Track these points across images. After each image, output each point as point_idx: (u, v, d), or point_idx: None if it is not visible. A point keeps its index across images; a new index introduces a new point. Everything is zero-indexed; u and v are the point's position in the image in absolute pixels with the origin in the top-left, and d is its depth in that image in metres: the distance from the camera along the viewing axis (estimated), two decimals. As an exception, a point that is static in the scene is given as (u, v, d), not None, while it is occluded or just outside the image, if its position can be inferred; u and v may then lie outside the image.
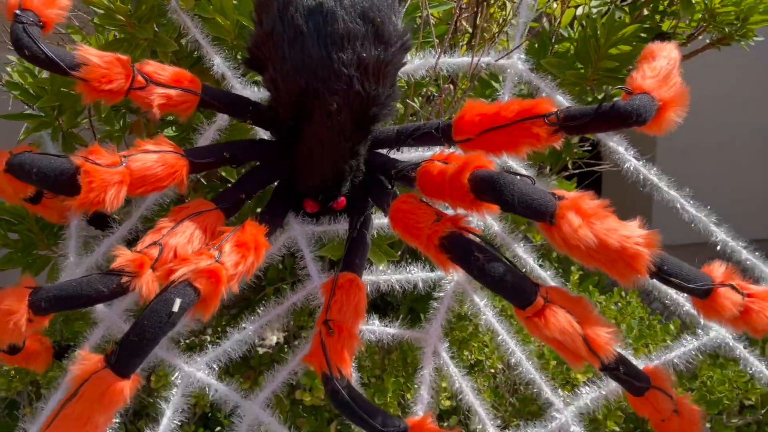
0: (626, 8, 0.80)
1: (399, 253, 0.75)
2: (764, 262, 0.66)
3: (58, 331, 0.82)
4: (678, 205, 0.65)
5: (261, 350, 0.87)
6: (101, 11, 0.69)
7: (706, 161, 1.42)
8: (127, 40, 0.69)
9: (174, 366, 0.58)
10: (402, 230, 0.53)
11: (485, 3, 0.78)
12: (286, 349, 0.75)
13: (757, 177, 1.45)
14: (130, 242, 0.60)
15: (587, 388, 0.61)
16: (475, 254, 0.47)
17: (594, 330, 0.48)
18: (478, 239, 0.48)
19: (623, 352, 0.54)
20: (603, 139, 0.65)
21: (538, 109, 0.52)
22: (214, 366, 0.58)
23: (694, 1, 0.76)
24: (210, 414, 0.76)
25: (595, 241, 0.45)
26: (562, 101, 0.64)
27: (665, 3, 0.79)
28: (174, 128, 0.78)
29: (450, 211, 0.53)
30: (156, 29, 0.70)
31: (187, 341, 0.83)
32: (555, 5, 0.80)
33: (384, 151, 0.62)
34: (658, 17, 0.80)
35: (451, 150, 0.56)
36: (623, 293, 0.94)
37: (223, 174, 0.81)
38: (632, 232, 0.47)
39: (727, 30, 0.77)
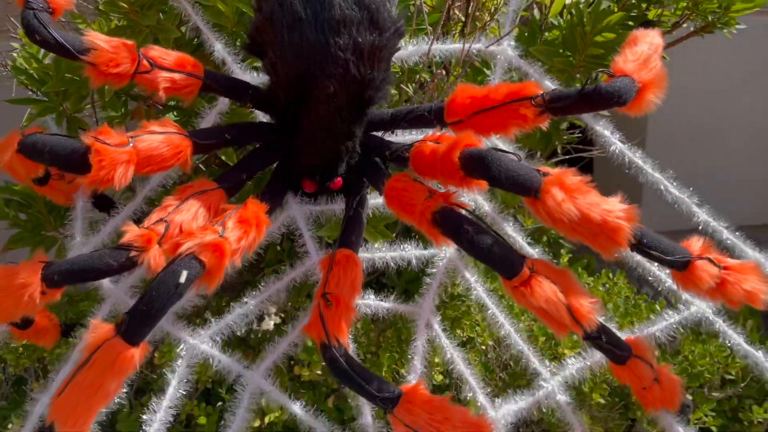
0: (614, -3, 0.83)
1: (394, 235, 0.78)
2: (744, 242, 0.69)
3: (63, 312, 0.85)
4: (662, 187, 0.68)
5: (260, 332, 0.90)
6: (105, -1, 0.71)
7: (694, 149, 1.45)
8: (130, 27, 0.71)
9: (179, 339, 0.61)
10: (396, 207, 0.56)
11: (477, -8, 0.81)
12: (284, 327, 0.77)
13: (745, 164, 1.48)
14: (135, 223, 0.62)
15: (573, 359, 0.64)
16: (464, 227, 0.50)
17: (577, 299, 0.51)
18: (467, 214, 0.51)
19: (606, 323, 0.57)
20: (590, 123, 0.67)
21: (526, 91, 0.54)
22: (217, 339, 0.61)
23: (678, -10, 0.78)
24: (211, 389, 0.79)
25: (577, 214, 0.48)
26: (550, 86, 0.67)
27: (651, -9, 0.82)
28: (175, 113, 0.80)
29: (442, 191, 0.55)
30: (159, 16, 0.72)
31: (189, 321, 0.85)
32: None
33: (379, 134, 0.64)
34: (644, 5, 0.83)
35: (443, 132, 0.58)
36: (611, 275, 0.97)
37: (223, 158, 0.83)
38: (613, 207, 0.50)
39: (710, 18, 0.80)
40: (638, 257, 0.68)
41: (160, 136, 0.54)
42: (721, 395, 0.80)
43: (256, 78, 0.67)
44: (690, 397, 0.77)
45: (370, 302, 0.63)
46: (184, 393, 0.59)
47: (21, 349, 0.77)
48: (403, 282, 0.88)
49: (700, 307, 0.68)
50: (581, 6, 0.76)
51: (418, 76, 0.77)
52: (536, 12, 0.85)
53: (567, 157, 1.02)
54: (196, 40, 0.78)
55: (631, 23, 0.78)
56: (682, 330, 0.69)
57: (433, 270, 0.66)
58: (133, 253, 0.51)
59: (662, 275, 0.68)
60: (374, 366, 0.77)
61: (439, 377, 0.77)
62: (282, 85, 0.59)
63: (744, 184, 1.47)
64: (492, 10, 0.85)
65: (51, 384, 0.61)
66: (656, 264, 0.67)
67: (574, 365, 0.63)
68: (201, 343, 0.60)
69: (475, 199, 0.68)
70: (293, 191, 0.65)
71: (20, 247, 0.82)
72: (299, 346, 0.74)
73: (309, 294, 0.85)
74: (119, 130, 0.53)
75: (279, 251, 0.91)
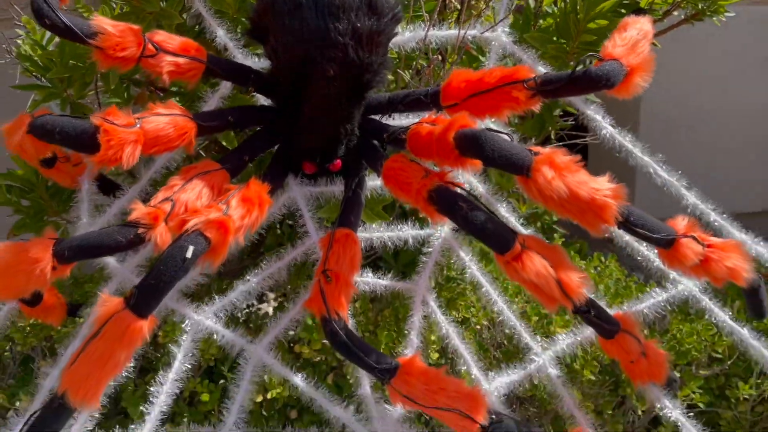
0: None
1: (391, 218, 0.80)
2: (731, 224, 0.71)
3: (68, 294, 0.87)
4: (651, 170, 0.70)
5: (260, 316, 0.92)
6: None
7: (687, 137, 1.47)
8: (133, 14, 0.73)
9: (184, 315, 0.63)
10: (393, 186, 0.58)
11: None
12: (286, 304, 0.80)
13: (738, 152, 1.50)
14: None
15: (563, 335, 0.67)
16: (459, 204, 0.52)
17: (567, 274, 0.53)
18: (462, 192, 0.53)
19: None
20: (581, 108, 0.70)
21: (518, 75, 0.56)
22: (221, 315, 0.63)
23: (669, -22, 0.80)
24: (214, 367, 0.81)
25: (566, 192, 0.50)
26: (543, 72, 0.69)
27: (642, -20, 0.84)
28: (177, 99, 0.82)
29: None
30: (161, 2, 0.74)
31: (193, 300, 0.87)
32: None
33: (377, 117, 0.67)
34: (636, -7, 0.85)
35: (438, 114, 0.60)
36: (602, 258, 1.00)
37: (224, 143, 0.85)
38: (601, 185, 0.52)
39: (699, 6, 0.82)
40: (627, 237, 0.70)
41: (165, 118, 0.56)
42: (708, 373, 0.83)
43: (258, 63, 0.68)
44: (678, 375, 0.79)
45: (368, 279, 0.65)
46: (189, 367, 0.61)
47: (28, 328, 0.79)
48: (400, 265, 0.90)
49: (687, 285, 0.70)
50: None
51: (414, 63, 0.79)
52: (531, 0, 0.87)
53: (561, 143, 1.04)
54: (197, 27, 0.79)
55: (623, 11, 0.80)
56: (669, 307, 0.72)
57: (429, 249, 0.68)
58: (140, 230, 0.53)
59: (651, 255, 0.70)
60: (372, 344, 0.79)
61: (435, 355, 0.79)
62: (283, 70, 0.61)
63: (737, 172, 1.49)
64: (487, -2, 0.87)
65: (60, 359, 0.64)
66: (645, 245, 0.70)
67: (564, 341, 0.65)
68: (205, 319, 0.62)
69: (469, 181, 0.70)
70: (294, 173, 0.67)
71: (24, 233, 0.84)
72: (300, 325, 0.76)
73: (309, 275, 0.87)
74: (126, 112, 0.55)
75: (279, 235, 0.94)
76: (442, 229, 0.69)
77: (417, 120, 0.61)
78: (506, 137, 0.51)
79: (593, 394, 0.81)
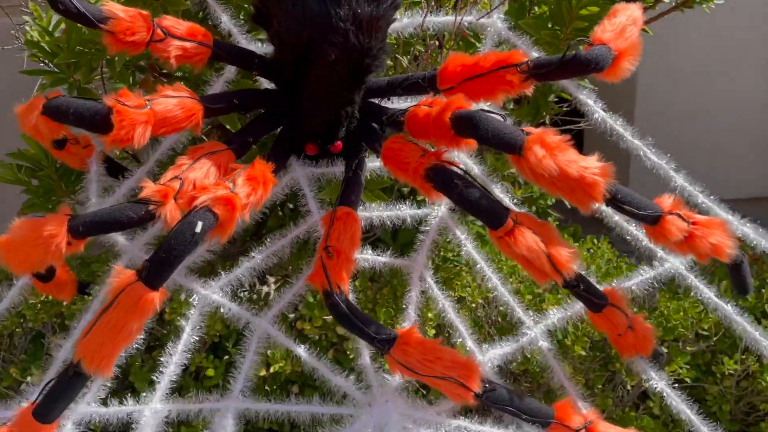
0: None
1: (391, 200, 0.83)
2: (719, 205, 0.74)
3: (75, 274, 0.89)
4: (641, 153, 0.73)
5: (262, 297, 0.95)
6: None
7: (683, 124, 1.50)
8: (141, 0, 0.75)
9: (192, 290, 0.66)
10: (392, 166, 0.60)
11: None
12: (289, 280, 0.82)
13: (732, 139, 1.53)
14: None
15: (554, 310, 0.70)
16: (454, 181, 0.54)
17: (557, 249, 0.56)
18: (457, 170, 0.56)
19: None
20: (574, 92, 0.72)
21: (512, 59, 0.59)
22: (227, 290, 0.66)
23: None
24: (219, 344, 0.84)
25: (557, 170, 0.53)
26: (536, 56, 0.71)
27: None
28: (182, 83, 0.84)
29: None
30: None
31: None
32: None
33: (376, 101, 0.69)
34: (628, -19, 0.87)
35: (435, 97, 0.63)
36: (595, 240, 1.03)
37: (228, 126, 0.87)
38: (590, 164, 0.54)
39: (689, -7, 0.85)
40: (617, 218, 0.73)
41: (174, 100, 0.59)
42: (695, 349, 0.86)
43: (261, 48, 0.71)
44: (665, 350, 0.82)
45: (367, 256, 0.68)
46: (197, 339, 0.64)
47: (39, 305, 0.82)
48: (398, 245, 0.93)
49: (673, 263, 0.73)
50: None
51: (412, 48, 0.81)
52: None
53: (557, 128, 1.07)
54: (201, 13, 0.82)
55: (614, -2, 0.82)
56: (657, 285, 0.75)
57: (427, 228, 0.71)
58: (151, 207, 0.56)
59: (640, 235, 0.73)
60: (371, 320, 0.82)
61: (432, 332, 0.82)
62: (286, 54, 0.63)
63: (730, 158, 1.52)
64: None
65: (72, 332, 0.66)
66: (634, 225, 0.72)
67: (555, 315, 0.68)
68: (212, 294, 0.65)
69: (465, 162, 0.72)
70: (296, 154, 0.70)
71: (33, 212, 0.86)
72: (302, 302, 0.79)
73: (310, 257, 0.90)
74: (137, 94, 0.58)
75: (281, 217, 0.96)
76: (439, 209, 0.71)
77: (415, 103, 0.64)
78: (500, 118, 0.53)
79: (584, 369, 0.84)
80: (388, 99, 0.69)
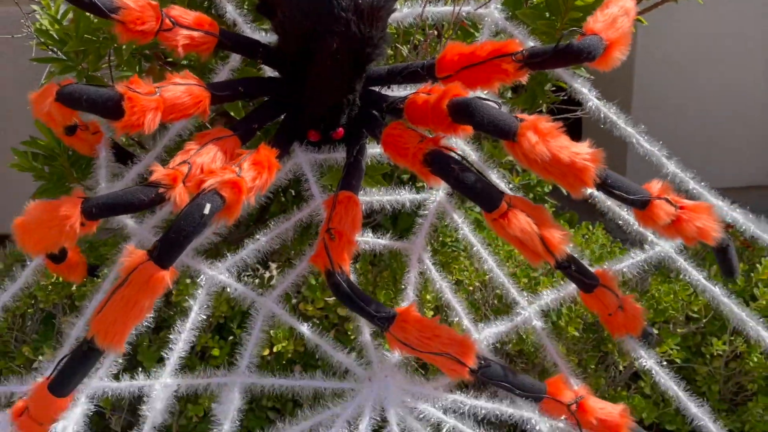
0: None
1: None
2: (709, 191, 0.76)
3: (85, 257, 0.92)
4: (634, 140, 0.75)
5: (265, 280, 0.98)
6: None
7: (679, 114, 1.51)
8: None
9: (199, 270, 0.68)
10: (392, 151, 0.63)
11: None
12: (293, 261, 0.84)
13: (729, 128, 1.55)
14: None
15: (548, 291, 0.72)
16: (451, 166, 0.57)
17: (549, 231, 0.59)
18: (454, 155, 0.58)
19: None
20: (569, 81, 0.74)
21: (508, 48, 0.61)
22: (233, 271, 0.68)
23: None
24: (224, 324, 0.87)
25: (549, 155, 0.55)
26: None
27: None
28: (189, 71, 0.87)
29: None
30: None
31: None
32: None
33: (376, 89, 0.71)
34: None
35: (434, 85, 0.65)
36: (590, 227, 1.05)
37: (232, 113, 0.90)
38: (581, 150, 0.57)
39: (682, -16, 0.86)
40: (609, 203, 0.76)
41: (182, 87, 0.61)
42: (685, 331, 0.89)
43: (265, 38, 0.73)
44: (656, 331, 0.85)
45: (368, 239, 0.71)
46: (204, 318, 0.67)
47: (50, 286, 0.85)
48: (398, 231, 0.95)
49: (663, 247, 0.76)
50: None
51: (412, 38, 0.84)
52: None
53: (554, 117, 1.09)
54: (206, 3, 0.84)
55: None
56: (647, 267, 0.77)
57: (425, 212, 0.73)
58: (161, 190, 0.59)
59: (631, 219, 0.75)
60: (372, 302, 0.84)
61: (430, 313, 0.85)
62: (289, 43, 0.66)
63: (725, 146, 1.54)
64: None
65: (84, 311, 0.69)
66: (626, 209, 0.75)
67: (549, 296, 0.71)
68: (219, 274, 0.68)
69: (463, 149, 0.75)
70: (299, 140, 0.72)
71: (45, 198, 0.89)
72: (305, 285, 0.82)
73: (311, 241, 0.92)
74: (147, 81, 0.60)
75: (283, 202, 0.99)
76: (437, 194, 0.74)
77: (414, 91, 0.66)
78: (495, 105, 0.56)
79: (577, 349, 0.86)
80: (388, 87, 0.71)
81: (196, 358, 0.87)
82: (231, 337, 0.87)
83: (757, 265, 0.89)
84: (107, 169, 0.76)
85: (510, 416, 0.63)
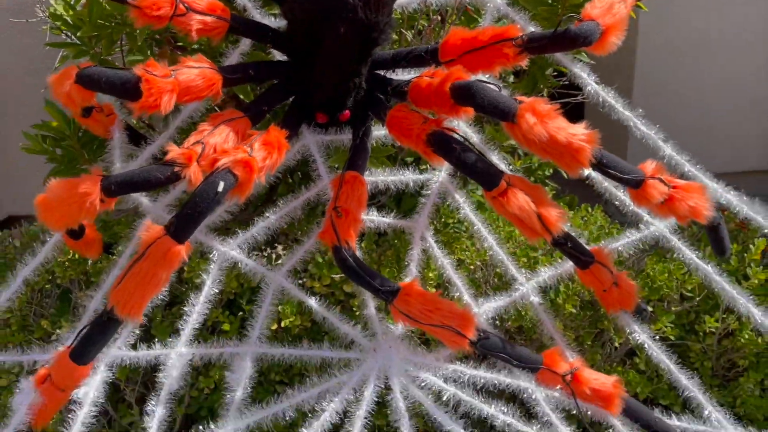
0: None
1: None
2: (704, 173, 0.79)
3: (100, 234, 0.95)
4: (631, 123, 0.78)
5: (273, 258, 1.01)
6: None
7: (680, 101, 1.53)
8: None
9: (212, 246, 0.71)
10: (396, 133, 0.66)
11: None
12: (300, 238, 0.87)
13: (726, 116, 1.57)
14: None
15: (545, 268, 0.75)
16: (453, 146, 0.60)
17: (547, 209, 0.61)
18: (456, 136, 0.61)
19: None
20: (569, 66, 0.77)
21: (508, 33, 0.64)
22: (244, 247, 0.71)
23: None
24: (234, 301, 0.90)
25: (546, 136, 0.58)
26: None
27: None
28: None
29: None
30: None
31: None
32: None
33: (382, 72, 0.74)
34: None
35: (437, 69, 0.68)
36: (589, 209, 1.08)
37: (241, 96, 0.92)
38: (577, 131, 0.59)
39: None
40: (606, 184, 0.78)
41: (196, 70, 0.64)
42: (679, 309, 0.92)
43: (275, 22, 0.75)
44: (650, 308, 0.88)
45: (373, 217, 0.74)
46: (217, 291, 0.70)
47: (67, 263, 0.88)
48: (401, 211, 0.98)
49: (658, 227, 0.78)
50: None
51: (416, 23, 0.86)
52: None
53: (556, 102, 1.11)
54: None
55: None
56: (642, 246, 0.80)
57: (428, 192, 0.76)
58: (176, 168, 0.61)
59: (627, 200, 0.78)
60: (376, 279, 0.87)
61: (432, 290, 0.88)
62: (298, 28, 0.68)
63: (727, 132, 1.56)
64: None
65: (101, 285, 0.72)
66: (622, 190, 0.78)
67: (546, 272, 0.74)
68: (230, 250, 0.71)
69: (465, 131, 0.77)
70: (307, 122, 0.75)
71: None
72: (312, 263, 0.85)
73: (319, 220, 0.95)
74: (163, 64, 0.63)
75: (291, 183, 1.02)
76: (440, 174, 0.77)
77: (418, 74, 0.69)
78: (495, 88, 0.58)
79: (574, 326, 0.90)
80: (393, 71, 0.74)
81: (208, 333, 0.91)
82: (240, 313, 0.90)
83: (750, 246, 0.92)
84: (121, 149, 0.79)
85: (508, 386, 0.66)
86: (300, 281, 0.86)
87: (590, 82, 0.76)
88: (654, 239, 0.79)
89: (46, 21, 0.95)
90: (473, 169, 0.60)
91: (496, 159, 0.77)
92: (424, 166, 0.84)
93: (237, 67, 0.72)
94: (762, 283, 0.89)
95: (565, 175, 1.06)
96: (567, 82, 1.06)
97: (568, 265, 0.75)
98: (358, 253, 0.67)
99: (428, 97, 0.63)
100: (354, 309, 0.87)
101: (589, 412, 0.66)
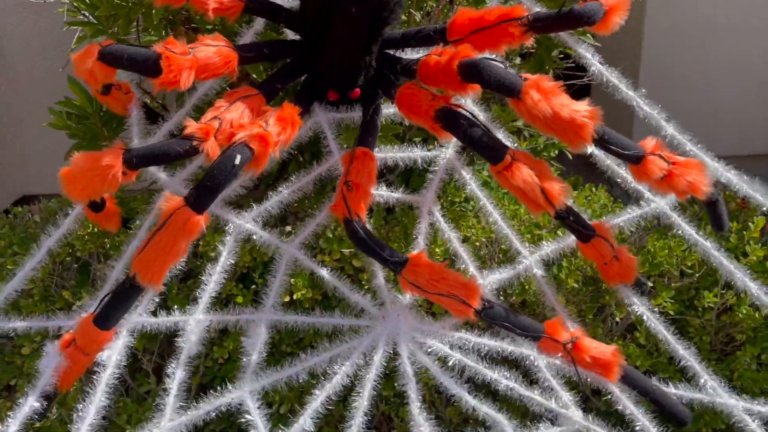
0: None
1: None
2: (706, 153, 0.81)
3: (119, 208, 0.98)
4: (634, 104, 0.79)
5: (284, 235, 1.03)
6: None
7: (686, 83, 1.54)
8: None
9: (227, 219, 0.74)
10: (406, 109, 0.68)
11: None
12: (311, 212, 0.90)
13: (733, 99, 1.58)
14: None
15: (548, 242, 0.78)
16: (460, 121, 0.62)
17: (550, 183, 0.64)
18: (463, 112, 0.63)
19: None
20: (574, 47, 0.79)
21: (514, 13, 0.66)
22: (258, 220, 0.74)
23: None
24: (247, 274, 0.93)
25: (550, 112, 0.60)
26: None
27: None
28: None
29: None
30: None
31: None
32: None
33: (391, 51, 0.76)
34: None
35: (445, 48, 0.70)
36: (593, 188, 1.10)
37: (254, 76, 0.95)
38: (580, 108, 0.62)
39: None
40: (608, 161, 0.81)
41: (213, 48, 0.66)
42: (679, 284, 0.94)
43: (288, 2, 0.78)
44: (649, 283, 0.90)
45: (382, 192, 0.76)
46: (231, 263, 0.73)
47: (86, 236, 0.91)
48: (409, 190, 1.01)
49: (659, 203, 0.81)
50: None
51: (425, 4, 0.88)
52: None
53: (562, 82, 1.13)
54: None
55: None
56: (645, 224, 0.82)
57: (435, 168, 0.79)
58: (195, 143, 0.64)
59: (629, 176, 0.80)
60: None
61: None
62: (311, 8, 0.70)
63: (733, 116, 1.57)
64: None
65: (122, 255, 0.75)
66: (624, 167, 0.80)
67: (549, 246, 0.77)
68: (245, 223, 0.74)
69: (471, 109, 0.79)
70: (319, 100, 0.77)
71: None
72: (322, 237, 0.88)
73: (330, 195, 0.98)
74: (182, 42, 0.65)
75: (301, 162, 1.04)
76: (447, 151, 0.79)
77: (426, 53, 0.71)
78: (501, 65, 0.61)
79: (576, 301, 0.92)
80: (402, 50, 0.76)
81: (222, 305, 0.94)
82: (253, 286, 0.93)
83: (750, 224, 0.94)
84: (139, 126, 0.82)
85: (510, 353, 0.69)
86: (312, 258, 0.89)
87: (594, 62, 0.78)
88: (655, 216, 0.82)
89: (61, 3, 0.98)
90: (479, 144, 0.62)
91: (501, 137, 0.79)
92: (431, 146, 0.86)
93: (252, 45, 0.75)
94: (760, 260, 0.91)
95: (569, 155, 1.08)
96: (573, 64, 1.08)
97: (571, 239, 0.78)
98: (367, 226, 0.70)
99: (436, 74, 0.65)
100: (363, 282, 0.90)
101: (588, 379, 0.69)
